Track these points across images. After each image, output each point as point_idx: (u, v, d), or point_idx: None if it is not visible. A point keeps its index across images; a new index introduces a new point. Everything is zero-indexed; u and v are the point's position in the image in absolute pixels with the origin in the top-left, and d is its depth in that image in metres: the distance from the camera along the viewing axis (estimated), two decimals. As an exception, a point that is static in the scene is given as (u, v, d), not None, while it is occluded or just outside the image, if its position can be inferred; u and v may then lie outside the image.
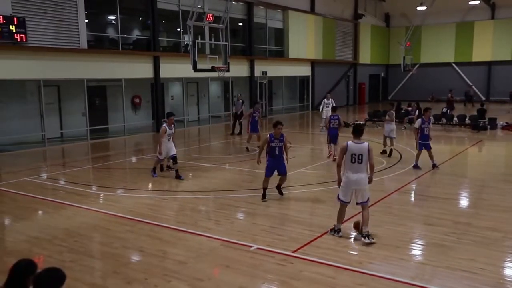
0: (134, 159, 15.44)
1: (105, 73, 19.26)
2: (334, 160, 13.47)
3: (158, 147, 11.60)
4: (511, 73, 36.76)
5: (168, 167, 12.41)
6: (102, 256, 6.85)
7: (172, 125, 11.54)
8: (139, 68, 20.60)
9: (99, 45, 20.44)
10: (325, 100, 21.22)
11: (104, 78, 19.70)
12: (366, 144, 7.06)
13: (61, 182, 11.65)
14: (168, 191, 10.69)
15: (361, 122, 9.03)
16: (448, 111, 22.17)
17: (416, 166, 12.29)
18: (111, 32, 21.47)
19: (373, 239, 6.89)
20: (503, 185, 10.86)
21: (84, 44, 18.21)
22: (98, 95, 21.12)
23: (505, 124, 21.06)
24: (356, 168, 7.00)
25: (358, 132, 7.17)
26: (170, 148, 11.53)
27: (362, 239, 6.93)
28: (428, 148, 12.19)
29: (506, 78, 36.84)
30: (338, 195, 7.36)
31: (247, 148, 16.03)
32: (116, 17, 19.99)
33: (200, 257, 6.51)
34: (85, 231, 7.74)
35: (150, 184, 11.38)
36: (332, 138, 13.70)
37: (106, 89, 21.51)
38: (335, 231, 7.29)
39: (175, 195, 10.08)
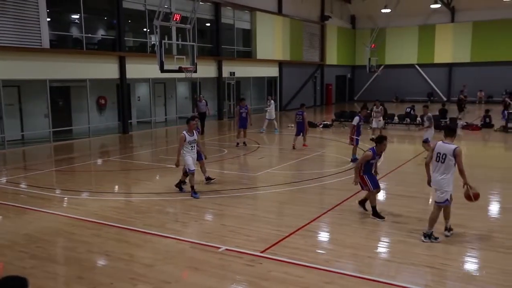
0: (99, 161, 15.11)
1: (68, 73, 18.76)
2: (294, 148, 15.51)
3: (181, 159, 9.72)
4: (471, 74, 38.18)
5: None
6: (66, 261, 6.66)
7: (195, 131, 9.88)
8: (104, 69, 20.18)
9: (62, 44, 19.89)
10: (267, 102, 21.68)
11: (67, 78, 19.18)
12: (453, 146, 6.84)
13: (22, 186, 11.27)
14: (135, 193, 10.52)
15: (451, 125, 8.45)
16: (412, 111, 22.74)
17: (355, 160, 12.83)
18: (74, 32, 20.94)
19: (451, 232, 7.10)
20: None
21: (46, 44, 17.69)
22: (62, 96, 20.57)
23: (465, 123, 21.80)
24: (438, 167, 6.90)
25: (449, 132, 7.08)
26: (194, 159, 9.85)
27: (445, 232, 7.09)
28: (357, 143, 13.44)
29: (466, 80, 38.23)
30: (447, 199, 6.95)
31: (237, 143, 16.47)
32: (80, 16, 19.51)
33: (168, 259, 6.43)
34: (48, 236, 7.51)
35: (116, 187, 11.17)
36: (298, 131, 15.99)
37: (70, 90, 20.97)
38: (429, 236, 6.88)
39: (142, 197, 9.92)
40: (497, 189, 10.49)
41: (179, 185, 10.20)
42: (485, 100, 36.83)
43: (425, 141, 13.34)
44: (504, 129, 20.21)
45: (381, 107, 18.97)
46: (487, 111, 22.67)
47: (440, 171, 6.88)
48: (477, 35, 37.75)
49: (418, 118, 22.31)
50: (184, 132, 9.74)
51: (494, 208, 9.14)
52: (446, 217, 7.16)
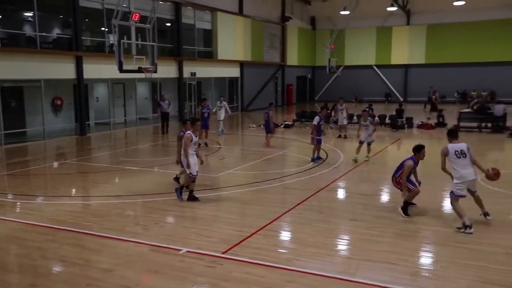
0: (55, 164, 14.60)
1: (21, 73, 18.02)
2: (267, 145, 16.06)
3: (185, 161, 9.10)
4: (425, 75, 39.57)
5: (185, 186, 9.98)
6: (19, 268, 6.38)
7: (196, 132, 9.58)
8: (60, 68, 19.52)
9: (15, 43, 19.10)
10: (218, 103, 21.18)
11: (20, 78, 18.42)
12: (464, 143, 7.71)
13: (-28, 191, 10.73)
14: (93, 197, 10.23)
15: (453, 128, 9.10)
16: (370, 111, 23.26)
17: (315, 159, 13.42)
18: (28, 30, 20.15)
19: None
20: (420, 180, 11.59)
21: (-4, 42, 16.94)
22: (14, 96, 19.73)
23: (421, 123, 22.54)
24: (465, 162, 7.55)
25: (453, 134, 7.89)
26: (196, 162, 9.36)
27: (487, 217, 7.72)
28: (320, 143, 13.64)
29: (421, 81, 39.63)
30: (453, 192, 7.65)
31: (205, 143, 16.31)
32: (34, 14, 18.79)
33: (128, 263, 6.29)
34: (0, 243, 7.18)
35: (73, 190, 10.83)
36: (266, 130, 16.67)
37: (23, 90, 20.15)
38: (468, 226, 7.28)
39: (100, 201, 9.65)
40: (450, 185, 10.87)
41: (192, 195, 9.38)
42: (439, 101, 38.18)
43: (361, 142, 13.54)
44: (456, 128, 21.04)
45: (344, 104, 19.41)
46: (440, 110, 23.53)
47: (469, 164, 7.58)
48: (431, 38, 39.17)
49: (376, 118, 22.92)
50: (190, 132, 9.23)
51: (447, 204, 9.47)
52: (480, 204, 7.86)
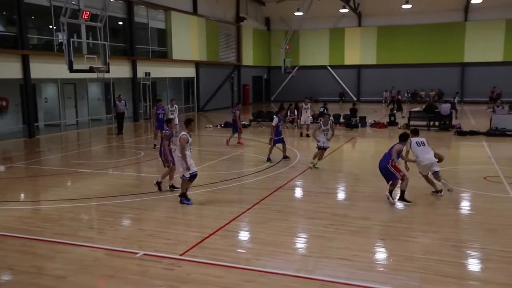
0: (1, 168, 13.92)
1: (-38, 73, 17.06)
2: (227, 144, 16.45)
3: (183, 163, 8.82)
4: (377, 76, 40.86)
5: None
6: (-37, 279, 6.05)
7: (191, 133, 9.21)
8: (4, 68, 18.59)
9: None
10: (169, 106, 20.87)
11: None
12: (423, 138, 9.87)
13: None
14: (44, 201, 9.83)
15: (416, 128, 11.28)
16: (325, 110, 23.75)
17: (269, 160, 13.46)
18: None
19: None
20: (372, 177, 11.95)
21: None
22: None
23: (373, 122, 23.23)
24: (426, 150, 9.57)
25: (416, 132, 10.15)
26: (192, 163, 9.09)
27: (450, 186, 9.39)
28: (283, 141, 13.72)
29: (373, 81, 40.91)
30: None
31: (154, 145, 15.96)
32: (-25, 10, 17.83)
33: (82, 269, 6.09)
34: None
35: (22, 195, 10.37)
36: (232, 129, 17.04)
37: (-36, 91, 19.09)
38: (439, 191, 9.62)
39: (52, 205, 9.29)
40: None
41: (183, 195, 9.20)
42: (390, 100, 39.52)
43: (320, 148, 12.71)
44: (407, 126, 21.84)
45: (309, 103, 19.76)
46: (392, 110, 24.35)
47: (428, 151, 9.58)
48: (381, 39, 40.47)
49: (331, 117, 23.42)
50: (185, 132, 8.93)
51: (398, 202, 9.81)
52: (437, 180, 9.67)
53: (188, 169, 8.84)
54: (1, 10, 20.92)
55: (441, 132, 20.55)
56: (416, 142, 9.65)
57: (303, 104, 19.71)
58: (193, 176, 9.00)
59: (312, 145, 16.92)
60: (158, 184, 10.09)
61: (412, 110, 23.10)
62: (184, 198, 9.14)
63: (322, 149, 12.68)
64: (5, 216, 8.49)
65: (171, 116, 19.84)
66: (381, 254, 6.71)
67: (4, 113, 20.81)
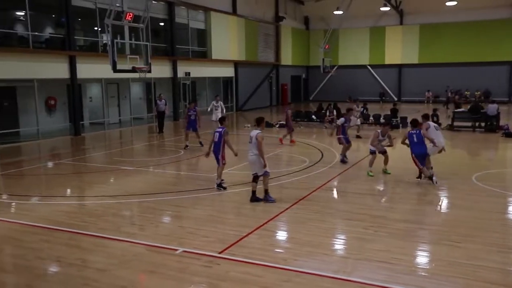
0: (50, 164, 14.53)
1: (13, 73, 17.89)
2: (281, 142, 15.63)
3: (261, 160, 9.07)
4: (419, 75, 39.80)
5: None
6: (14, 269, 6.35)
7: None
8: (53, 68, 19.41)
9: (7, 42, 18.96)
10: (214, 102, 21.05)
11: (13, 78, 18.30)
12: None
13: (-35, 191, 10.64)
14: (88, 197, 10.19)
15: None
16: (365, 110, 23.36)
17: (343, 160, 13.36)
18: (20, 29, 20.02)
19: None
20: (414, 179, 11.67)
21: (-11, 42, 16.80)
22: (7, 96, 19.61)
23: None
24: (421, 139, 10.69)
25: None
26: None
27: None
28: (348, 142, 13.57)
29: (415, 80, 39.89)
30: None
31: (186, 146, 15.92)
32: (26, 14, 18.67)
33: (123, 263, 6.28)
34: (-6, 244, 7.14)
35: (68, 190, 10.79)
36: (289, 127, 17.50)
37: (16, 90, 20.03)
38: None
39: (96, 201, 9.62)
40: (445, 184, 10.96)
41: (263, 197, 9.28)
42: (432, 100, 38.45)
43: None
44: (451, 127, 21.16)
45: (360, 105, 19.65)
46: (434, 110, 23.61)
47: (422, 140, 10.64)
48: (424, 38, 39.35)
49: (371, 117, 23.00)
50: (260, 131, 9.21)
51: (441, 204, 9.54)
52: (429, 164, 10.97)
53: (266, 165, 9.06)
54: (50, 13, 21.82)
55: (487, 134, 19.77)
56: (435, 126, 11.38)
57: (355, 106, 19.66)
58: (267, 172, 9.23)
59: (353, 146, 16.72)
60: (219, 185, 10.27)
61: (456, 110, 22.34)
62: (268, 196, 9.22)
63: (373, 154, 12.14)
64: (53, 211, 8.86)
65: (216, 112, 20.14)
66: (422, 258, 6.54)
67: (53, 112, 21.72)
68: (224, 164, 10.38)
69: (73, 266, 6.20)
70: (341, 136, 13.49)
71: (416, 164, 10.76)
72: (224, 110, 21.46)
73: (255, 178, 9.26)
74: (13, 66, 17.70)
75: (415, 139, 10.70)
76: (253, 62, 34.66)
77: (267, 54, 37.22)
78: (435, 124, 11.76)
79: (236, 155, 10.24)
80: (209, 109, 21.70)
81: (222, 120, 10.76)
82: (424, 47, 39.37)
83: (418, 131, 10.81)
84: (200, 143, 16.23)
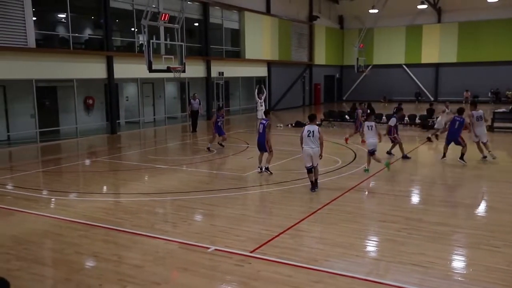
0: (87, 161, 14.99)
1: (55, 73, 18.58)
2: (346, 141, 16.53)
3: (320, 152, 9.89)
4: (457, 74, 38.64)
5: (267, 169, 11.81)
6: (54, 263, 6.60)
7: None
8: (91, 68, 20.01)
9: (49, 44, 19.68)
10: (259, 100, 20.72)
11: (54, 78, 19.00)
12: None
13: (9, 187, 11.12)
14: (124, 194, 10.45)
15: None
16: (400, 110, 22.88)
17: (405, 156, 13.93)
18: (61, 31, 20.74)
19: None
20: (451, 181, 11.38)
21: (32, 43, 17.49)
22: (48, 96, 20.36)
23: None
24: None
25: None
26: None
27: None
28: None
29: (452, 80, 38.76)
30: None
31: (208, 148, 15.86)
32: (67, 16, 19.33)
33: (157, 260, 6.41)
34: (35, 238, 7.43)
35: (104, 187, 11.10)
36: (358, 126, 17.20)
37: (56, 90, 20.77)
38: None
39: (131, 198, 9.86)
40: (484, 187, 10.63)
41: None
42: (471, 100, 37.24)
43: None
44: (490, 128, 20.45)
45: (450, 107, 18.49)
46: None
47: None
48: (463, 36, 38.17)
49: (406, 118, 22.51)
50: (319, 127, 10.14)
51: (480, 207, 9.25)
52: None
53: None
54: (89, 14, 22.50)
55: (529, 135, 19.01)
56: (477, 117, 12.38)
57: (445, 107, 18.32)
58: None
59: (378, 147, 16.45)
60: (267, 169, 11.71)
61: (496, 111, 21.59)
62: (316, 186, 10.08)
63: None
64: (90, 207, 9.13)
65: (260, 109, 20.22)
66: (459, 263, 6.37)
67: (91, 111, 22.39)
68: (271, 151, 11.74)
69: (110, 261, 6.38)
70: (395, 135, 13.92)
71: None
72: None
73: (311, 170, 9.97)
74: (54, 67, 18.36)
75: (455, 126, 12.63)
76: (286, 62, 34.59)
77: (300, 53, 37.06)
78: (480, 115, 13.21)
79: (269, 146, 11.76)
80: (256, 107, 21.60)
81: (266, 113, 12.48)
82: (463, 46, 38.18)
83: (461, 119, 12.74)
84: (221, 144, 16.21)
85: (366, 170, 11.96)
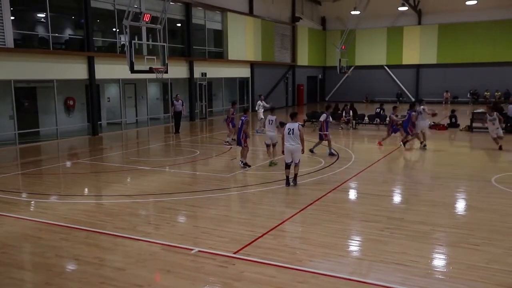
0: (68, 163, 14.76)
1: (34, 74, 18.25)
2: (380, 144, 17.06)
3: (300, 149, 10.53)
4: (437, 75, 39.29)
5: (246, 164, 12.65)
6: (33, 267, 6.47)
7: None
8: (72, 69, 19.72)
9: (28, 44, 19.34)
10: (259, 102, 21.55)
11: (33, 79, 18.67)
12: (296, 123, 10.64)
13: (-13, 190, 10.88)
14: (106, 196, 10.33)
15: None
16: (382, 111, 23.14)
17: (331, 153, 14.46)
18: (40, 31, 20.39)
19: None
20: (431, 181, 11.55)
21: (10, 43, 17.14)
22: (27, 97, 19.99)
23: (432, 123, 22.34)
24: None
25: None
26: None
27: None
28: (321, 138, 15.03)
29: (433, 81, 39.39)
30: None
31: (228, 142, 17.07)
32: (46, 15, 19.02)
33: (140, 262, 6.34)
34: (14, 241, 7.28)
35: (86, 189, 10.95)
36: (393, 129, 17.24)
37: (36, 91, 20.40)
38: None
39: (113, 200, 9.75)
40: (463, 186, 10.81)
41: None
42: (451, 101, 37.94)
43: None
44: (469, 128, 20.84)
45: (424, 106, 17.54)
46: (453, 111, 23.31)
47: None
48: (443, 38, 38.83)
49: (388, 118, 22.74)
50: (300, 124, 10.59)
51: (459, 206, 9.41)
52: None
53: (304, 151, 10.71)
54: (70, 14, 22.19)
55: (508, 135, 19.39)
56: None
57: (419, 106, 17.33)
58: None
59: (361, 147, 16.60)
60: (245, 164, 12.49)
61: (475, 111, 22.00)
62: (297, 180, 10.64)
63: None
64: (72, 210, 9.00)
65: (261, 111, 20.65)
66: (440, 261, 6.46)
67: (72, 112, 22.06)
68: (245, 146, 12.44)
69: (91, 264, 6.29)
70: (326, 132, 14.49)
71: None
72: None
73: (289, 166, 10.48)
74: (33, 67, 18.04)
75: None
76: (269, 63, 34.67)
77: (283, 54, 37.19)
78: (420, 110, 15.98)
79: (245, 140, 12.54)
80: (257, 108, 21.84)
81: (245, 110, 13.45)
82: (443, 47, 38.85)
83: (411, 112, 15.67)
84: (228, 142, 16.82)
85: (272, 164, 12.84)
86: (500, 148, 15.33)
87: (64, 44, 21.22)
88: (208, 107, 29.40)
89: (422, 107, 16.29)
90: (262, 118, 20.53)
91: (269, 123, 13.29)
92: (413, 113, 15.74)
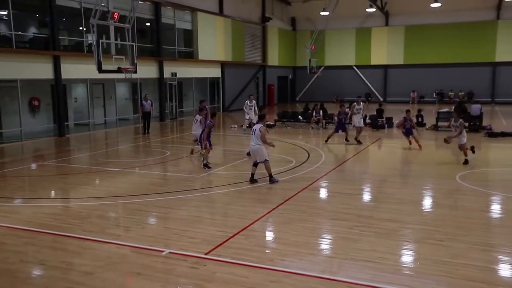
0: (33, 165, 14.33)
1: (-3, 73, 17.65)
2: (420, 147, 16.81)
3: (264, 150, 10.76)
4: (404, 76, 40.22)
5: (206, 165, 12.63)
6: (-3, 273, 6.25)
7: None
8: (37, 68, 19.16)
9: (-11, 42, 18.69)
10: (247, 102, 20.41)
11: (-5, 78, 18.04)
12: (259, 125, 10.84)
13: None
14: (73, 199, 10.08)
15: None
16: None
17: (206, 165, 12.91)
18: (2, 29, 19.73)
19: None
20: (399, 179, 11.81)
21: (-29, 41, 16.53)
22: (-10, 97, 19.31)
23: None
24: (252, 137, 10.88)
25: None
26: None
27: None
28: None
29: (400, 81, 40.32)
30: None
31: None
32: (9, 13, 18.41)
33: (109, 266, 6.22)
34: (-24, 247, 7.02)
35: (52, 192, 10.66)
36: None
37: (-2, 91, 19.73)
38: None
39: (80, 203, 9.52)
40: (429, 184, 11.10)
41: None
42: (418, 100, 38.89)
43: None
44: (435, 127, 21.42)
45: (362, 104, 18.13)
46: (419, 110, 23.91)
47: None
48: (409, 39, 39.79)
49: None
50: (263, 125, 10.78)
51: (425, 203, 9.66)
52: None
53: (273, 145, 11.16)
54: (34, 12, 21.55)
55: (471, 134, 20.02)
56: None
57: (355, 104, 17.83)
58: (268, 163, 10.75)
59: (330, 147, 16.82)
60: (206, 165, 12.50)
61: (440, 111, 22.63)
62: (273, 178, 10.78)
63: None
64: (37, 213, 8.74)
65: (250, 111, 19.71)
66: (407, 257, 6.61)
67: (36, 113, 21.43)
68: (206, 147, 12.58)
69: (58, 269, 6.12)
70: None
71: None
72: (257, 109, 20.68)
73: (255, 164, 10.76)
74: (-5, 66, 17.44)
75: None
76: (239, 63, 34.66)
77: (253, 54, 37.26)
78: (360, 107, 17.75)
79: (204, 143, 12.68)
80: (245, 107, 20.81)
81: (213, 115, 13.12)
82: (409, 48, 39.82)
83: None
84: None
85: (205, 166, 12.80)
86: (473, 151, 13.79)
87: (28, 43, 20.57)
88: (179, 107, 29.15)
89: (360, 105, 17.82)
90: (248, 118, 19.72)
91: (194, 122, 14.33)
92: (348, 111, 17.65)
